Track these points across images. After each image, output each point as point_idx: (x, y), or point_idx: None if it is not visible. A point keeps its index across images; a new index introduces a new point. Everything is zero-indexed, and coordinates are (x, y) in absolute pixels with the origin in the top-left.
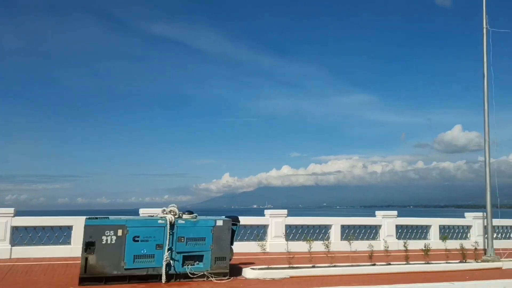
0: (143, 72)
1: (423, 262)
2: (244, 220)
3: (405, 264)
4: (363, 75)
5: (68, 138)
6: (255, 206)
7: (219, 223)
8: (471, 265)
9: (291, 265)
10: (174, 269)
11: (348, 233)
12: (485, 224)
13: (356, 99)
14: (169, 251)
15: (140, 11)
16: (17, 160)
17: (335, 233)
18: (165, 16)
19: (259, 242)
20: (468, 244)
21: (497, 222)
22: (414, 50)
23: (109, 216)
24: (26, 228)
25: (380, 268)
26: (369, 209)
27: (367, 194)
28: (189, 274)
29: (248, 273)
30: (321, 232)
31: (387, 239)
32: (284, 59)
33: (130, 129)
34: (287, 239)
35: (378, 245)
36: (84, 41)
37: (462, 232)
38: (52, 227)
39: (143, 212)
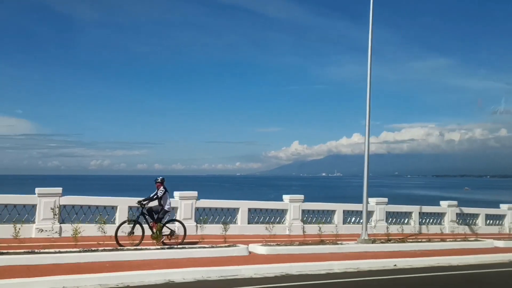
0: (212, 40)
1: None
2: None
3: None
4: (439, 38)
5: (142, 106)
6: (324, 174)
7: None
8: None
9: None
10: None
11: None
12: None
13: (432, 63)
14: None
15: None
16: (99, 127)
17: (241, 217)
18: None
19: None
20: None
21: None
22: (494, 11)
23: None
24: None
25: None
26: (441, 179)
27: (441, 163)
28: None
29: None
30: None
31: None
32: (354, 23)
33: (201, 98)
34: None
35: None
36: (154, 11)
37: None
38: None
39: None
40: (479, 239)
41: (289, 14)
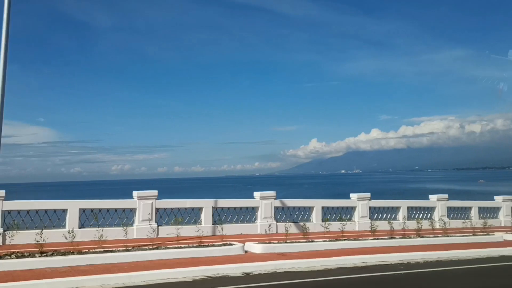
0: (226, 40)
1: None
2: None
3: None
4: (455, 28)
5: (160, 110)
6: (343, 171)
7: None
8: None
9: None
10: None
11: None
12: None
13: (451, 54)
14: None
15: None
16: (119, 132)
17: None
18: None
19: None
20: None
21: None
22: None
23: None
24: None
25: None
26: (463, 171)
27: (463, 155)
28: None
29: None
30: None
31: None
32: (371, 17)
33: (217, 98)
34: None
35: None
36: (169, 14)
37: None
38: None
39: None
40: (231, 243)
41: (303, 11)
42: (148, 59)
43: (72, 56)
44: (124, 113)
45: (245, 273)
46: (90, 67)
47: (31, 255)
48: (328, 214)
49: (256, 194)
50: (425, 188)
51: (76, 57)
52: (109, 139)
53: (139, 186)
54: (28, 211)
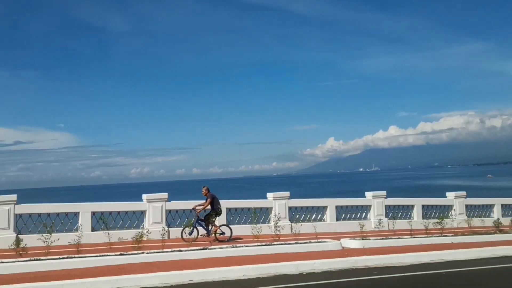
0: (242, 42)
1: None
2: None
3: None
4: (472, 22)
5: (177, 112)
6: (361, 169)
7: None
8: None
9: None
10: None
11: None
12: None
13: (469, 49)
14: None
15: None
16: (137, 135)
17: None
18: None
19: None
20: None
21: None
22: None
23: None
24: None
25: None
26: (484, 167)
27: (484, 151)
28: None
29: None
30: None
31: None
32: (386, 13)
33: (234, 100)
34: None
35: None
36: (185, 18)
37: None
38: None
39: None
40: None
41: (317, 10)
42: (163, 62)
43: (89, 61)
44: (141, 116)
45: None
46: (107, 72)
47: None
48: (238, 215)
49: (144, 196)
50: (430, 184)
51: (93, 62)
52: (128, 143)
53: (157, 188)
54: None
